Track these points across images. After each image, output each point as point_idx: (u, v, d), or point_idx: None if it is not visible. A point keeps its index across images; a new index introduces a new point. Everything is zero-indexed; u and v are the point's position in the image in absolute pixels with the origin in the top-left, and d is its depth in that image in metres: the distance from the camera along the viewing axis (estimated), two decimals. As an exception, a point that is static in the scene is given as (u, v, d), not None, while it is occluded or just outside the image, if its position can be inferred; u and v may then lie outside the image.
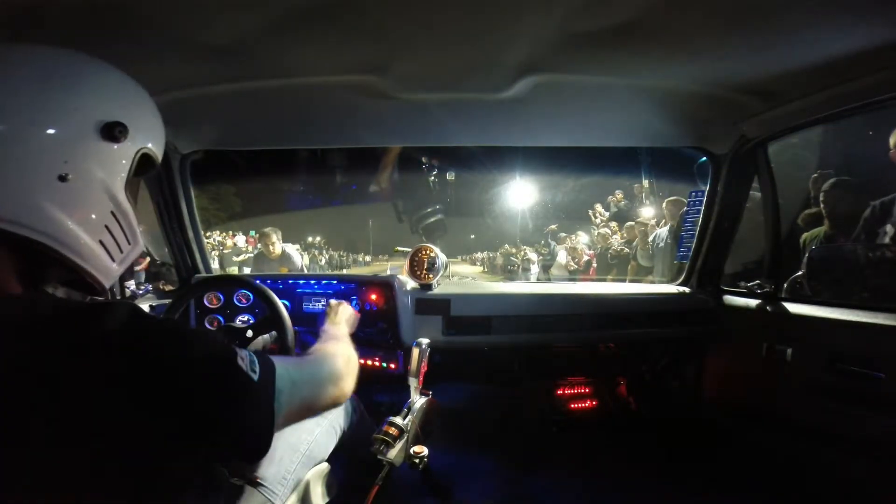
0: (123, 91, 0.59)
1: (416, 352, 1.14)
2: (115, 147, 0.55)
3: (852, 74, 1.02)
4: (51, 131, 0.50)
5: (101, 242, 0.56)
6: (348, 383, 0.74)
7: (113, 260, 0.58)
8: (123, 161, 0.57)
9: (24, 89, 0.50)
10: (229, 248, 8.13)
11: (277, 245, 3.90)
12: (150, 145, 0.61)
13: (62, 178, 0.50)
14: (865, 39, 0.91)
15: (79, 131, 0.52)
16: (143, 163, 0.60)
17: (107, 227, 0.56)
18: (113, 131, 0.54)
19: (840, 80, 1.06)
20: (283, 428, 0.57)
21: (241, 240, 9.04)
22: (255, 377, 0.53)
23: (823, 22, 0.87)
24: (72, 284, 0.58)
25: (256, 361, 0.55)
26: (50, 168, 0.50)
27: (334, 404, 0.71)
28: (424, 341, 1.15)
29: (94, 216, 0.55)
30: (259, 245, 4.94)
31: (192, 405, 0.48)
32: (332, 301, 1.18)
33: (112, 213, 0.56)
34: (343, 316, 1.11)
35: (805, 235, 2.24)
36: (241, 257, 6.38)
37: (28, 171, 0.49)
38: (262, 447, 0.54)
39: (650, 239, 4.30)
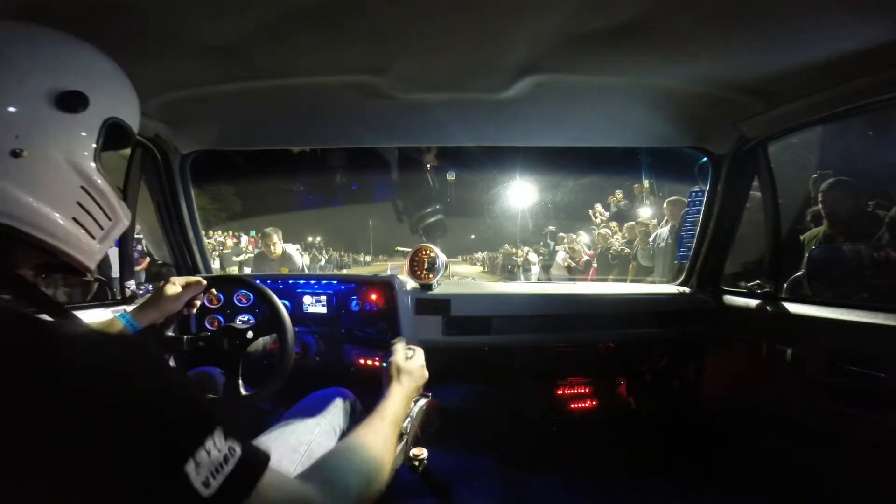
0: (81, 59, 0.56)
1: None
2: (75, 118, 0.52)
3: (852, 74, 1.02)
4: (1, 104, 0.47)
5: (76, 220, 0.53)
6: None
7: (93, 237, 0.55)
8: (86, 132, 0.54)
9: None
10: (229, 248, 8.14)
11: (278, 245, 3.92)
12: (119, 115, 0.58)
13: (15, 154, 0.47)
14: (865, 39, 0.91)
15: (29, 103, 0.49)
16: (116, 134, 0.57)
17: (79, 203, 0.53)
18: (70, 101, 0.51)
19: (840, 80, 1.06)
20: None
21: (244, 240, 9.05)
22: (207, 491, 0.38)
23: (823, 22, 0.87)
24: (50, 268, 0.55)
25: (230, 467, 0.40)
26: (0, 144, 0.47)
27: None
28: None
29: (61, 193, 0.51)
30: (260, 245, 4.94)
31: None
32: (398, 358, 0.91)
33: (83, 188, 0.53)
34: (410, 382, 0.87)
35: (805, 235, 2.25)
36: (242, 257, 6.39)
37: None
38: None
39: (651, 239, 4.30)
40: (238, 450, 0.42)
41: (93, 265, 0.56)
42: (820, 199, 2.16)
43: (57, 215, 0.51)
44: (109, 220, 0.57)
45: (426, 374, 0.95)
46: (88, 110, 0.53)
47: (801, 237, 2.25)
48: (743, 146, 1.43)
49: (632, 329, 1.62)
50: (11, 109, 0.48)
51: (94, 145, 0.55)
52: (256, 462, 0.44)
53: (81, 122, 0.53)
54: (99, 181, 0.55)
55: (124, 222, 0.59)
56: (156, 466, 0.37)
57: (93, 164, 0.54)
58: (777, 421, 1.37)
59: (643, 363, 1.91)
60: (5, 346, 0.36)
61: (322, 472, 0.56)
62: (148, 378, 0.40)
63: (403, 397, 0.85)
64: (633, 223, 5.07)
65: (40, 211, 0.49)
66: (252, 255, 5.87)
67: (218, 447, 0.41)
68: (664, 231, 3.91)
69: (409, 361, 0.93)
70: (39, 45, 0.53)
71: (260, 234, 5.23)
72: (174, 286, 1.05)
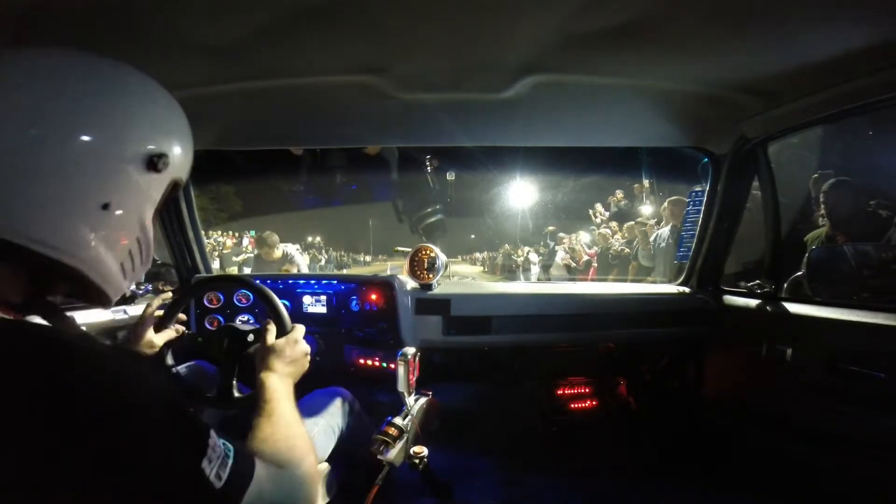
0: (171, 120, 0.58)
1: (400, 366, 1.11)
2: (155, 177, 0.54)
3: (852, 74, 1.02)
4: (106, 160, 0.49)
5: (122, 265, 0.55)
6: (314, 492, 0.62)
7: (125, 278, 0.57)
8: (159, 190, 0.57)
9: (89, 109, 0.48)
10: (229, 249, 8.13)
11: (275, 251, 3.82)
12: (182, 176, 0.60)
13: (105, 207, 0.50)
14: (865, 39, 0.91)
15: (129, 160, 0.51)
16: (173, 191, 0.60)
17: (130, 252, 0.56)
18: (157, 163, 0.53)
19: (840, 80, 1.06)
20: None
21: (245, 241, 9.02)
22: (219, 483, 0.44)
23: (823, 22, 0.87)
24: (74, 295, 0.57)
25: (230, 462, 0.46)
26: (96, 196, 0.49)
27: None
28: (410, 351, 1.12)
29: (123, 242, 0.54)
30: (257, 248, 4.83)
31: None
32: (268, 338, 0.86)
33: (137, 238, 0.56)
34: (286, 360, 0.82)
35: (808, 236, 2.23)
36: (242, 257, 6.37)
37: (75, 197, 0.48)
38: None
39: (651, 239, 4.28)
40: (231, 445, 0.48)
41: (115, 300, 0.58)
42: (822, 199, 2.15)
43: (112, 261, 0.53)
44: (142, 264, 0.59)
45: (300, 350, 0.87)
46: (166, 171, 0.55)
47: (805, 238, 2.23)
48: (743, 146, 1.43)
49: (632, 329, 1.62)
50: (116, 164, 0.50)
51: (158, 202, 0.57)
52: (248, 458, 0.50)
53: (157, 181, 0.55)
54: (150, 233, 0.58)
55: (148, 265, 0.61)
56: (176, 469, 0.42)
57: (152, 218, 0.57)
58: (777, 421, 1.37)
59: (643, 363, 1.91)
60: (29, 365, 0.39)
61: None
62: (156, 389, 0.44)
63: (279, 380, 0.77)
64: (633, 223, 5.05)
65: (104, 258, 0.52)
66: (251, 255, 5.82)
67: (218, 444, 0.46)
68: (665, 231, 3.90)
69: (281, 342, 0.85)
70: (150, 103, 0.55)
71: (257, 239, 5.14)
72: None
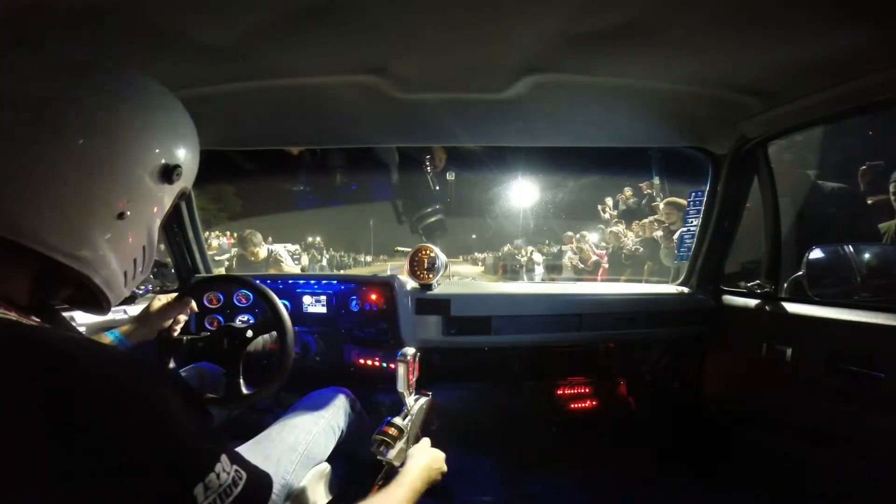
0: (186, 130, 0.59)
1: (400, 366, 1.11)
2: (167, 188, 0.55)
3: (852, 74, 1.02)
4: (125, 171, 0.50)
5: (125, 273, 0.55)
6: None
7: (125, 285, 0.57)
8: (169, 200, 0.57)
9: (111, 120, 0.48)
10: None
11: (259, 250, 3.70)
12: (190, 185, 0.61)
13: (120, 216, 0.50)
14: (865, 39, 0.91)
15: (146, 172, 0.52)
16: (180, 200, 0.61)
17: (135, 259, 0.56)
18: (171, 174, 0.54)
19: (840, 80, 1.05)
20: None
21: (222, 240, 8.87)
22: None
23: (823, 22, 0.87)
24: (74, 301, 0.57)
25: (237, 492, 0.43)
26: (113, 206, 0.50)
27: None
28: (410, 351, 1.12)
29: (130, 251, 0.54)
30: (238, 248, 4.55)
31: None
32: (419, 450, 0.93)
33: (143, 247, 0.56)
34: (423, 474, 0.87)
35: (882, 226, 2.11)
36: (225, 256, 6.20)
37: (93, 207, 0.48)
38: None
39: (676, 236, 3.99)
40: (244, 474, 0.45)
41: (114, 305, 0.58)
42: (892, 189, 2.03)
43: (117, 268, 0.53)
44: (142, 272, 0.59)
45: (443, 469, 0.95)
46: (178, 181, 0.56)
47: (879, 226, 2.10)
48: (743, 146, 1.43)
49: (632, 329, 1.62)
50: (134, 175, 0.51)
51: (167, 211, 0.58)
52: (263, 485, 0.47)
53: (168, 192, 0.56)
54: (155, 242, 0.58)
55: (147, 274, 0.61)
56: (165, 489, 0.40)
57: (158, 227, 0.57)
58: (777, 421, 1.37)
59: (643, 363, 1.90)
60: (26, 365, 0.39)
61: None
62: (162, 400, 0.42)
63: (419, 484, 0.84)
64: (648, 220, 4.73)
65: (112, 265, 0.52)
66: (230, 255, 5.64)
67: (226, 471, 0.43)
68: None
69: (433, 461, 0.92)
70: (171, 115, 0.55)
71: (238, 239, 4.96)
72: (160, 301, 1.05)
